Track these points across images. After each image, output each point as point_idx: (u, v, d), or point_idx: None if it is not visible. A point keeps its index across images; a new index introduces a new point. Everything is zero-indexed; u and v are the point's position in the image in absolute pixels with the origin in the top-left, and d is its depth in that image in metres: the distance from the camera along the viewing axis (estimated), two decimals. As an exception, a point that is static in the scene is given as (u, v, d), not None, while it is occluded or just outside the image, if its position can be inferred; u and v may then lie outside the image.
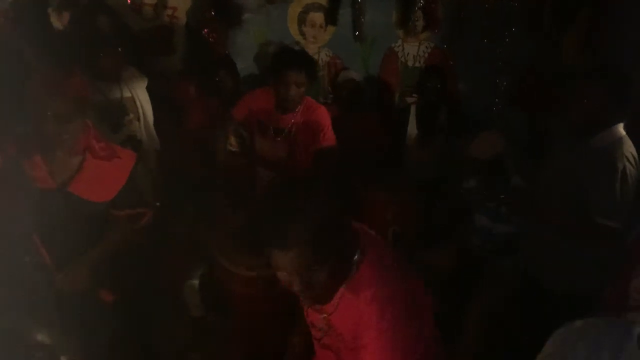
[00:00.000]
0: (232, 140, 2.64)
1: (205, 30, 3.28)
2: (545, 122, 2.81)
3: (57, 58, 2.43)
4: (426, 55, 3.54)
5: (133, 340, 2.22)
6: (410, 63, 3.56)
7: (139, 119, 2.66)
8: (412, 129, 3.27)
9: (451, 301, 2.59)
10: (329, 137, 2.64)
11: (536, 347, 2.28)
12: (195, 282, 3.20)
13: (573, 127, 2.16)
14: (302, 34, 3.54)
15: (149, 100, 2.73)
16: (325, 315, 1.40)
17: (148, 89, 2.75)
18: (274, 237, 1.18)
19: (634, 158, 2.00)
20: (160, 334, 2.63)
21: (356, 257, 1.31)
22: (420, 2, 3.46)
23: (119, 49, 2.50)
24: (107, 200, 1.92)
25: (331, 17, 3.52)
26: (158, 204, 2.75)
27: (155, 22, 3.23)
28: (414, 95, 3.37)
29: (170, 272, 2.94)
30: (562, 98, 2.30)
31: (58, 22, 2.89)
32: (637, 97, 2.21)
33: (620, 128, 2.05)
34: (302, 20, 3.51)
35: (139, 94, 2.68)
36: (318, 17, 3.49)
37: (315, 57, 3.47)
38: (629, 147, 2.02)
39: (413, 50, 3.55)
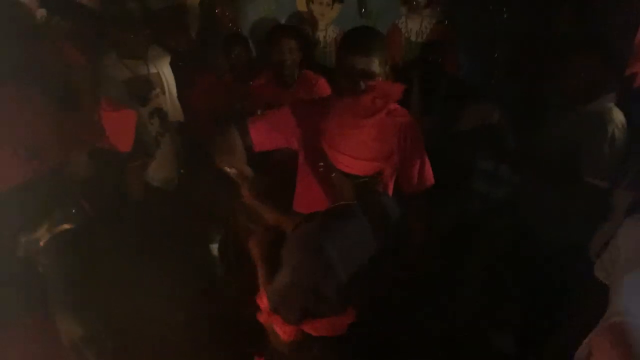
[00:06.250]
0: None
1: (218, 8, 3.44)
2: (540, 93, 2.98)
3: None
4: (428, 30, 3.68)
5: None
6: (413, 38, 3.70)
7: (164, 93, 2.85)
8: (414, 99, 3.44)
9: (450, 258, 2.81)
10: None
11: (529, 300, 2.48)
12: (214, 245, 3.44)
13: (567, 97, 2.35)
14: (311, 11, 3.69)
15: (172, 75, 2.91)
16: None
17: (171, 64, 2.93)
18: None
19: (622, 125, 2.21)
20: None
21: None
22: (423, -21, 3.59)
23: (148, 31, 2.67)
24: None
25: (338, -5, 3.67)
26: (182, 171, 2.97)
27: (171, 2, 3.34)
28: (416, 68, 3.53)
29: (190, 236, 3.15)
30: (557, 69, 2.46)
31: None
32: (624, 69, 2.41)
33: (610, 98, 2.26)
34: (310, -2, 3.67)
35: (164, 70, 2.86)
36: (325, -6, 3.62)
37: (323, 33, 3.64)
38: (619, 115, 2.23)
39: (416, 26, 3.69)
